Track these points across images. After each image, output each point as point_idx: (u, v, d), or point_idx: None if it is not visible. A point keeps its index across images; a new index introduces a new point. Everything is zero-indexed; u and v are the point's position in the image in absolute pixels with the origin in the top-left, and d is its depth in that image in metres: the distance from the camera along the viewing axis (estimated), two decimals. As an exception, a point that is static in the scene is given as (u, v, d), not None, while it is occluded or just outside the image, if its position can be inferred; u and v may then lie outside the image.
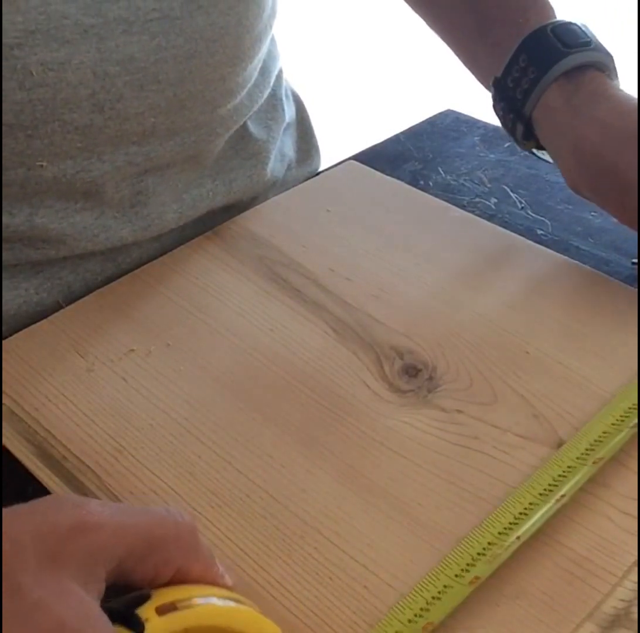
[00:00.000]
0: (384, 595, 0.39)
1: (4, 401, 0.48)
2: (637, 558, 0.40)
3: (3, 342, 0.52)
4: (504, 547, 0.39)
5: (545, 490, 0.42)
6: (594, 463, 0.43)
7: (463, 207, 0.64)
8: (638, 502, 0.42)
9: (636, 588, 0.39)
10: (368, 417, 0.47)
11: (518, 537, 0.39)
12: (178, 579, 0.32)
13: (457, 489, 0.43)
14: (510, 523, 0.40)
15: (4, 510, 0.29)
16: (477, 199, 0.66)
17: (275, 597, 0.39)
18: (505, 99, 0.57)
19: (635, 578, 0.39)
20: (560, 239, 0.62)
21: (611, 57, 0.55)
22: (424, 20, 0.64)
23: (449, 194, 0.66)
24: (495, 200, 0.65)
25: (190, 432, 0.46)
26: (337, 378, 0.49)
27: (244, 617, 0.33)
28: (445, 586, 0.38)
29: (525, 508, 0.41)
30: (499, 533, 0.40)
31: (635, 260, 0.59)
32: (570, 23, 0.56)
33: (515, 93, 0.56)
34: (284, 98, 0.67)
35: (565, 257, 0.58)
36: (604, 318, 0.53)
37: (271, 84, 0.63)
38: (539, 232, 0.62)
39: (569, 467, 0.43)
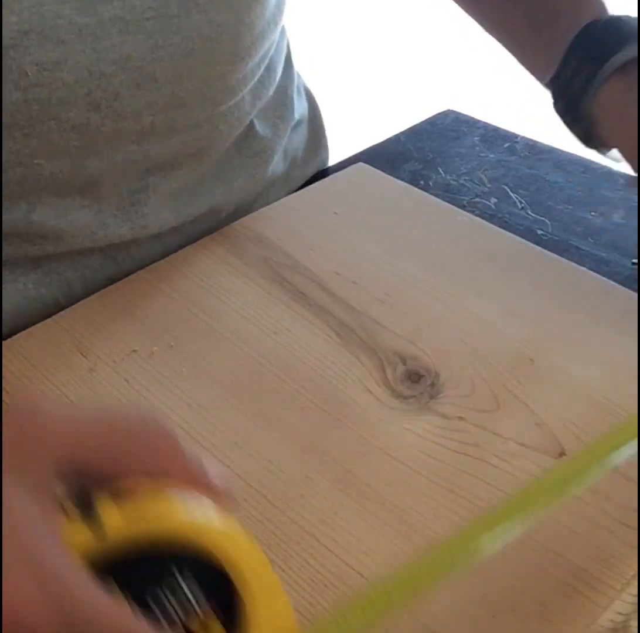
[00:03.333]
0: (379, 604, 0.38)
1: (5, 399, 0.48)
2: (636, 571, 0.39)
3: (6, 341, 0.52)
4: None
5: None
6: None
7: (463, 207, 0.64)
8: (638, 514, 0.41)
9: (635, 602, 0.38)
10: (368, 422, 0.47)
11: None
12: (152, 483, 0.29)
13: (456, 497, 0.43)
14: None
15: None
16: (477, 199, 0.65)
17: (269, 603, 0.38)
18: (563, 99, 0.56)
19: (635, 591, 0.38)
20: (560, 239, 0.61)
21: None
22: (475, 19, 0.63)
23: (449, 194, 0.66)
24: (495, 200, 0.65)
25: (189, 434, 0.46)
26: (339, 383, 0.49)
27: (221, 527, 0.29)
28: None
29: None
30: None
31: (635, 261, 0.58)
32: (620, 17, 0.55)
33: (572, 91, 0.55)
34: (294, 95, 0.66)
35: (571, 262, 0.58)
36: (608, 325, 0.52)
37: (277, 79, 0.62)
38: (539, 232, 0.62)
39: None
